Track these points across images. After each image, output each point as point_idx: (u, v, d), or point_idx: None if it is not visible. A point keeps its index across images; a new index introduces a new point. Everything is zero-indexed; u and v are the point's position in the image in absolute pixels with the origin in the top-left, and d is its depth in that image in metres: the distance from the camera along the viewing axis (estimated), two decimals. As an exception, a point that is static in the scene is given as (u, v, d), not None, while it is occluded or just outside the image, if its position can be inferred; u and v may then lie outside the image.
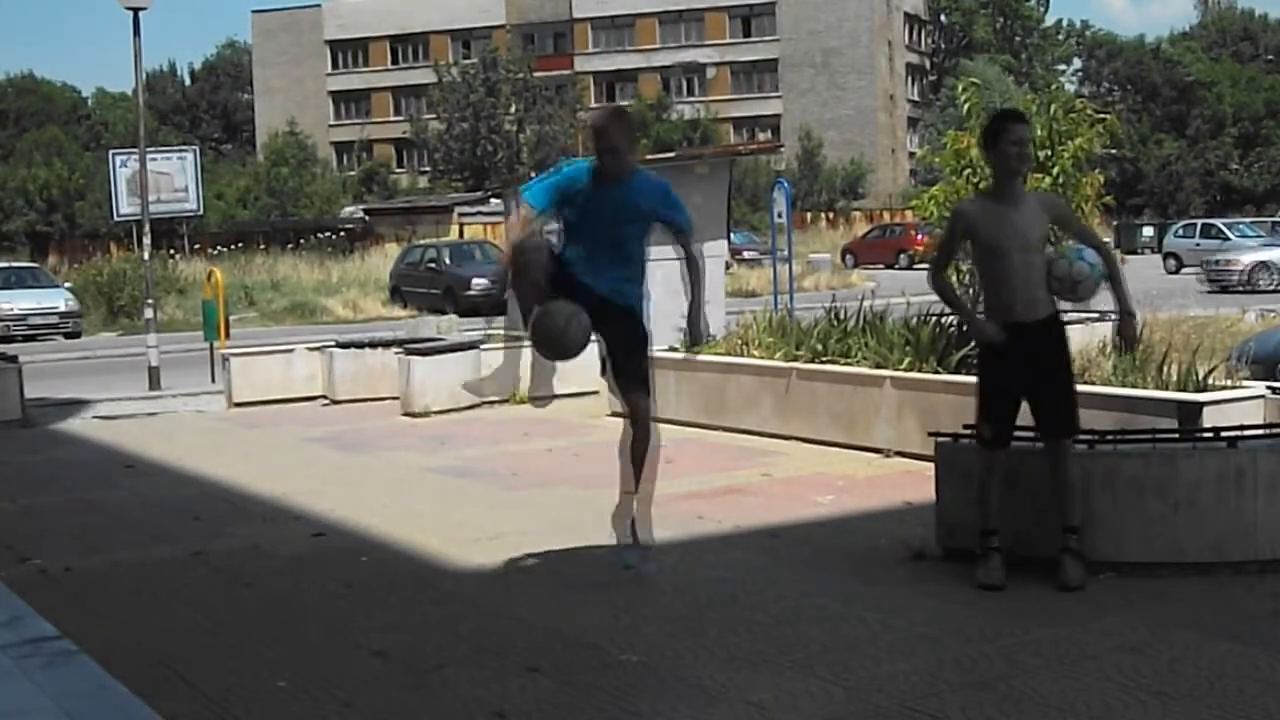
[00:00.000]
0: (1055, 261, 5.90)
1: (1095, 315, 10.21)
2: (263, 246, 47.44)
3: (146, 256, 16.25)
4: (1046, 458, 5.93)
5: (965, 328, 10.21)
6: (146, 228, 16.31)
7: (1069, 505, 5.86)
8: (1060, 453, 5.90)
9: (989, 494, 5.94)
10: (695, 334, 6.34)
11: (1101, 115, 10.54)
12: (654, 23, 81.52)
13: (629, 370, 6.27)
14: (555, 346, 5.99)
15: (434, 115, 69.45)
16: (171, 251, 39.27)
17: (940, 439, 6.50)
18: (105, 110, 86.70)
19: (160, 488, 9.22)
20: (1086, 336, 10.01)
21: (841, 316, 10.61)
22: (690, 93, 79.71)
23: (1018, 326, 5.86)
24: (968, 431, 6.48)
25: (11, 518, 8.29)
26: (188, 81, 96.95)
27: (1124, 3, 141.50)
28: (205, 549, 7.16)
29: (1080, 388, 6.45)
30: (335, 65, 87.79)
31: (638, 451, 6.26)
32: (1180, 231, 43.44)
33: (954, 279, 10.70)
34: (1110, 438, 6.26)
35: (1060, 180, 10.61)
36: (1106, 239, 6.47)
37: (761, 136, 75.26)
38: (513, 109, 65.04)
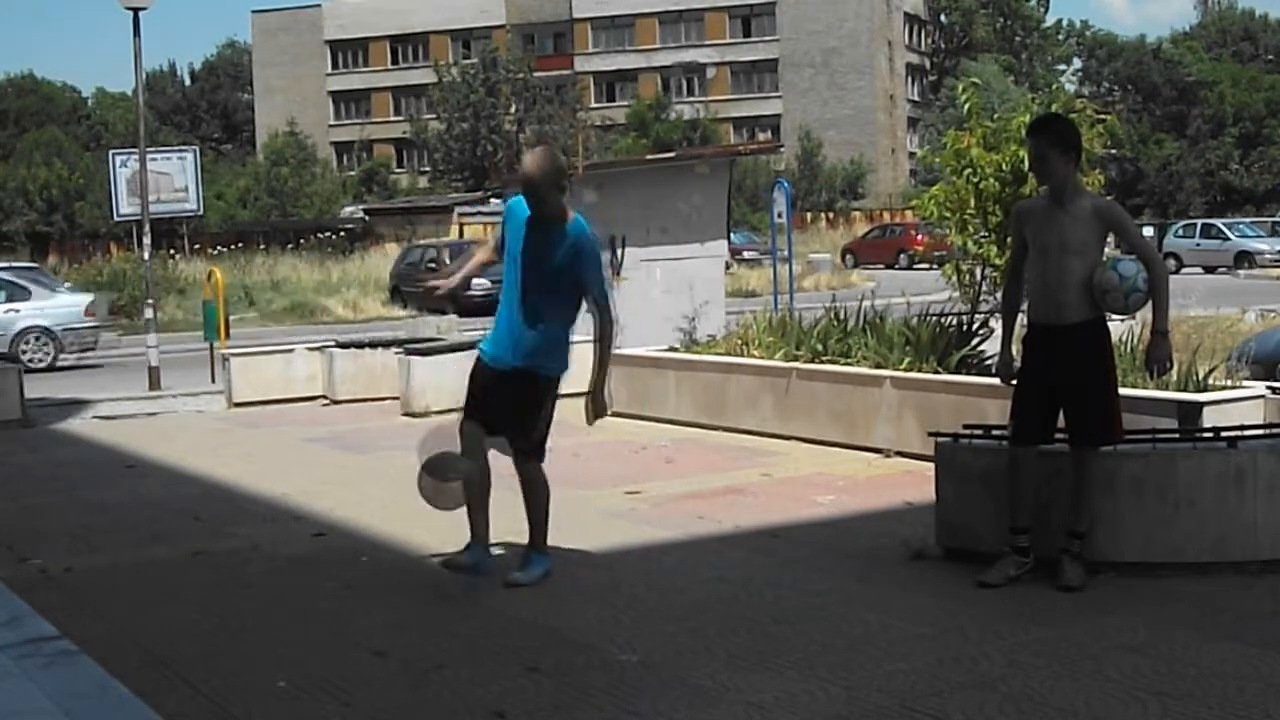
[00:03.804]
0: (1095, 269, 5.82)
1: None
2: (263, 246, 47.41)
3: (146, 256, 16.24)
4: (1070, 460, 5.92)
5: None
6: (146, 228, 16.29)
7: (1079, 511, 5.85)
8: (1077, 460, 5.87)
9: (1011, 490, 5.92)
10: (598, 405, 6.11)
11: (1102, 115, 10.50)
12: (654, 23, 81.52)
13: (513, 432, 6.11)
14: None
15: (434, 115, 69.53)
16: (171, 251, 39.28)
17: (940, 439, 6.50)
18: (105, 110, 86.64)
19: (160, 488, 9.21)
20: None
21: (841, 316, 10.61)
22: (690, 93, 79.70)
23: (1043, 328, 5.87)
24: (968, 431, 6.50)
25: (11, 518, 8.29)
26: (188, 81, 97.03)
27: (1124, 3, 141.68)
28: (205, 549, 7.15)
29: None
30: (335, 65, 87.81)
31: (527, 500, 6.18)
32: (1180, 231, 43.49)
33: (955, 277, 10.76)
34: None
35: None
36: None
37: (761, 136, 75.26)
38: (513, 109, 65.13)
